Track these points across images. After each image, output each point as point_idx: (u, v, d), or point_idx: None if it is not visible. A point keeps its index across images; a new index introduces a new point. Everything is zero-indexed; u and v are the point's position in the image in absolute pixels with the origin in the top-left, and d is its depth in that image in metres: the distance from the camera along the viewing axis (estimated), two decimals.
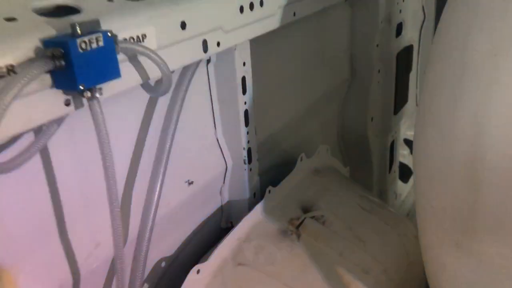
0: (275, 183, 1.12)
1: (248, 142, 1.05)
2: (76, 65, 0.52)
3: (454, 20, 0.81)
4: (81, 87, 0.54)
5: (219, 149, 1.04)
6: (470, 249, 0.78)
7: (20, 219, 0.65)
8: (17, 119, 0.52)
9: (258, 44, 1.00)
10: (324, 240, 1.05)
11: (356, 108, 1.64)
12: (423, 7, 2.28)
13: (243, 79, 0.99)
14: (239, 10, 0.85)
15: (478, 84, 0.73)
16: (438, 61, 0.84)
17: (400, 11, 1.69)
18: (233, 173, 1.07)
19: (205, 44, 0.79)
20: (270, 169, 1.22)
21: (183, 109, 0.86)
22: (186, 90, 0.84)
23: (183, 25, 0.73)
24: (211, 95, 0.99)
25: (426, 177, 0.86)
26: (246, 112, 1.02)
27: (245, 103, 1.01)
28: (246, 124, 1.03)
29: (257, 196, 1.12)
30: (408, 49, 1.86)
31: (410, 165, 2.06)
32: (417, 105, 2.00)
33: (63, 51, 0.52)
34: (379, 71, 1.63)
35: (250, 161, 1.07)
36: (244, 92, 1.00)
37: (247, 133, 1.04)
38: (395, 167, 2.01)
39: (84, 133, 0.70)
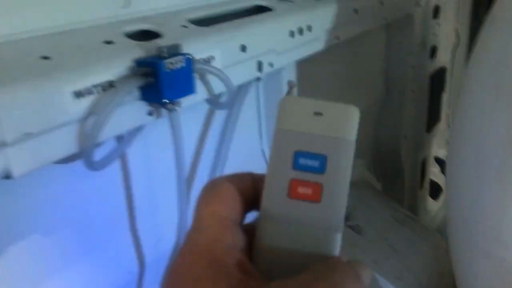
0: None
1: None
2: (163, 82, 0.63)
3: (489, 44, 0.88)
4: (165, 101, 0.64)
5: (264, 159, 1.13)
6: (499, 259, 0.84)
7: (100, 212, 0.76)
8: (112, 125, 0.62)
9: (302, 63, 1.09)
10: (360, 247, 1.12)
11: (390, 126, 1.71)
12: (457, 30, 2.34)
13: None
14: (289, 35, 0.95)
15: (509, 107, 0.79)
16: (473, 84, 0.91)
17: (435, 34, 1.76)
18: None
19: (260, 64, 0.89)
20: None
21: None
22: (241, 105, 0.93)
23: (243, 48, 0.83)
24: (259, 110, 1.08)
25: (458, 192, 0.93)
26: None
27: None
28: None
29: None
30: (441, 71, 1.92)
31: (440, 183, 2.10)
32: (448, 125, 2.05)
33: (153, 70, 0.62)
34: (413, 91, 1.70)
35: None
36: None
37: None
38: (426, 184, 2.06)
39: (155, 141, 0.80)
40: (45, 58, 0.58)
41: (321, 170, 0.32)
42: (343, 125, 0.32)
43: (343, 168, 0.32)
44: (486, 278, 0.88)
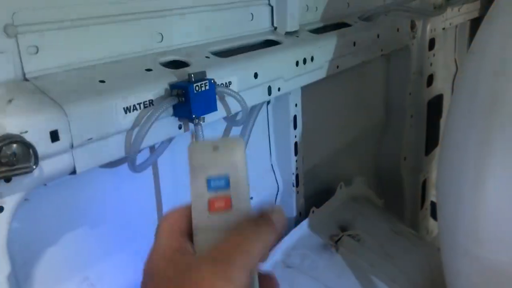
0: (317, 205, 1.34)
1: (297, 169, 1.28)
2: (192, 101, 0.78)
3: (467, 72, 1.03)
4: (194, 116, 0.80)
5: (273, 173, 1.27)
6: (476, 256, 0.96)
7: (135, 210, 0.91)
8: (151, 136, 0.78)
9: (308, 89, 1.25)
10: (358, 253, 1.25)
11: (390, 148, 1.85)
12: (455, 60, 2.50)
13: (295, 117, 1.24)
14: (295, 64, 1.11)
15: (482, 126, 0.93)
16: (454, 108, 1.06)
17: (431, 64, 1.92)
18: (283, 194, 1.30)
19: (269, 89, 1.05)
20: (313, 194, 1.44)
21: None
22: (253, 123, 1.09)
23: (256, 75, 0.99)
24: (268, 129, 1.24)
25: (444, 200, 1.06)
26: (296, 144, 1.26)
27: (295, 136, 1.26)
28: (296, 153, 1.27)
29: (302, 215, 1.33)
30: (439, 98, 2.07)
31: None
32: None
33: (184, 92, 0.78)
34: (411, 116, 1.85)
35: (297, 185, 1.30)
36: (295, 127, 1.24)
37: (296, 161, 1.27)
38: (427, 205, 2.18)
39: (181, 152, 0.96)
40: (102, 81, 0.74)
41: (227, 186, 0.42)
42: (234, 151, 0.42)
43: (241, 179, 0.42)
44: (466, 276, 1.00)
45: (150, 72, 0.82)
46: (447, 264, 1.07)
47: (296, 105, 1.24)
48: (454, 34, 2.43)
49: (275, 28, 1.15)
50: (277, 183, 1.28)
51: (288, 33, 1.15)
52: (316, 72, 1.20)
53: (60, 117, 0.65)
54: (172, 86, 0.80)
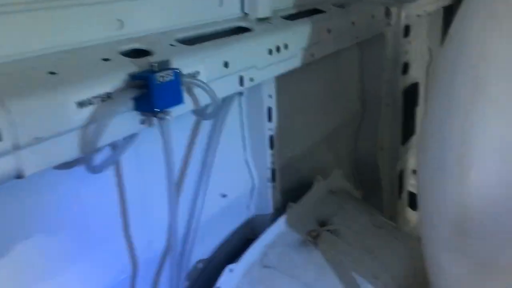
0: (295, 200, 1.28)
1: (273, 163, 1.22)
2: (154, 93, 0.71)
3: (445, 58, 0.98)
4: (156, 110, 0.72)
5: (248, 169, 1.21)
6: (463, 251, 0.92)
7: (95, 215, 0.83)
8: (110, 133, 0.70)
9: (282, 79, 1.19)
10: (338, 249, 1.20)
11: (367, 138, 1.81)
12: (429, 47, 2.48)
13: (269, 109, 1.18)
14: (268, 52, 1.05)
15: (462, 124, 0.89)
16: (433, 96, 1.01)
17: (406, 52, 1.88)
18: (259, 190, 1.24)
19: (241, 79, 0.98)
20: (290, 188, 1.38)
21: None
22: (225, 117, 1.02)
23: (226, 64, 0.92)
24: (242, 122, 1.17)
25: (426, 192, 1.02)
26: (271, 137, 1.20)
27: (270, 129, 1.19)
28: (271, 147, 1.20)
29: (279, 211, 1.28)
30: (415, 86, 2.04)
31: None
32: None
33: (145, 82, 0.71)
34: (387, 105, 1.81)
35: (274, 180, 1.24)
36: (269, 120, 1.18)
37: (272, 155, 1.21)
38: (404, 195, 2.16)
39: (147, 149, 0.88)
40: (52, 73, 0.66)
41: None
42: None
43: None
44: (450, 270, 0.96)
45: (108, 62, 0.74)
46: (430, 258, 1.03)
47: (270, 96, 1.17)
48: (427, 21, 2.41)
49: (246, 14, 1.08)
50: (252, 179, 1.22)
51: (260, 20, 1.08)
52: (291, 60, 1.14)
53: (2, 115, 0.57)
54: (132, 77, 0.72)
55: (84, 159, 0.68)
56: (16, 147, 0.59)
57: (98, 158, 0.77)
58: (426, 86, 2.28)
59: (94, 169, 0.71)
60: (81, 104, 0.66)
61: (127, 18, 0.81)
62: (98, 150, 0.70)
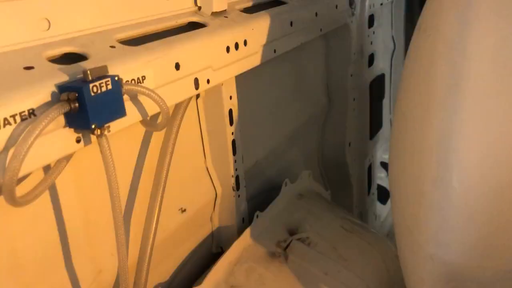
0: (262, 208, 1.19)
1: (236, 170, 1.12)
2: (89, 107, 0.59)
3: (419, 50, 0.90)
4: (93, 126, 0.60)
5: (209, 178, 1.10)
6: (443, 261, 0.85)
7: (29, 249, 0.70)
8: (35, 157, 0.58)
9: (242, 78, 1.08)
10: (310, 260, 1.11)
11: (334, 135, 1.73)
12: (393, 37, 2.43)
13: (230, 111, 1.07)
14: (226, 50, 0.94)
15: (442, 111, 0.81)
16: (407, 89, 0.93)
17: (371, 42, 1.81)
18: (222, 200, 1.13)
19: (196, 82, 0.87)
20: (257, 195, 1.28)
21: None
22: (179, 124, 0.90)
23: (177, 66, 0.80)
24: (200, 127, 1.06)
25: (401, 197, 0.95)
26: (233, 141, 1.09)
27: (232, 133, 1.09)
28: (234, 153, 1.10)
29: (245, 221, 1.18)
30: (381, 78, 1.98)
31: (388, 187, 2.15)
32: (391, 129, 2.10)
33: (77, 95, 0.59)
34: (354, 99, 1.73)
35: (238, 188, 1.14)
36: (231, 123, 1.08)
37: (235, 161, 1.11)
38: (374, 189, 2.10)
39: (87, 168, 0.76)
40: None
41: None
42: None
43: None
44: (431, 281, 0.89)
45: (31, 70, 0.61)
46: (408, 268, 0.96)
47: (230, 97, 1.06)
48: (390, 9, 2.36)
49: (199, 8, 0.96)
50: (215, 188, 1.11)
51: (215, 14, 0.97)
52: (251, 58, 1.04)
53: None
54: (61, 89, 0.60)
55: (3, 191, 0.56)
56: None
57: (26, 187, 0.64)
58: (391, 77, 2.23)
59: (17, 202, 0.58)
60: None
61: (56, 16, 0.68)
62: (20, 180, 0.57)
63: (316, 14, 1.32)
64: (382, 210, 2.23)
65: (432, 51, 0.86)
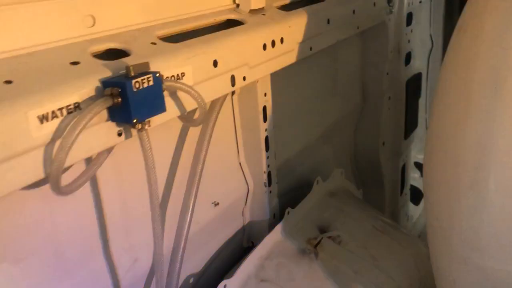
0: (293, 204, 1.20)
1: (268, 166, 1.13)
2: (131, 102, 0.61)
3: (459, 51, 0.89)
4: (135, 121, 0.63)
5: (242, 173, 1.12)
6: (477, 265, 0.84)
7: (71, 237, 0.74)
8: (79, 149, 0.61)
9: (277, 76, 1.09)
10: (340, 259, 1.12)
11: (368, 133, 1.72)
12: (431, 35, 2.38)
13: (264, 108, 1.08)
14: (262, 48, 0.95)
15: (480, 114, 0.80)
16: (445, 90, 0.92)
17: (409, 41, 1.78)
18: (254, 195, 1.15)
19: (233, 79, 0.88)
20: (288, 191, 1.29)
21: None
22: (215, 120, 0.92)
23: (215, 63, 0.82)
24: (235, 123, 1.07)
25: (435, 199, 0.93)
26: (266, 138, 1.10)
27: (266, 130, 1.10)
28: (267, 149, 1.11)
29: (276, 217, 1.19)
30: (417, 77, 1.94)
31: (421, 188, 2.12)
32: (427, 130, 2.07)
33: (120, 90, 0.61)
34: (389, 98, 1.71)
35: (270, 184, 1.15)
36: (265, 120, 1.09)
37: (267, 157, 1.12)
38: (407, 190, 2.08)
39: (127, 161, 0.79)
40: (8, 82, 0.56)
41: None
42: None
43: None
44: (464, 285, 0.88)
45: (77, 65, 0.64)
46: (440, 270, 0.95)
47: (265, 94, 1.07)
48: (429, 7, 2.31)
49: (238, 6, 0.97)
50: (247, 184, 1.12)
51: (252, 11, 0.98)
52: (287, 55, 1.04)
53: None
54: (105, 84, 0.62)
55: (49, 181, 0.59)
56: None
57: (70, 177, 0.67)
58: (428, 76, 2.19)
59: (62, 191, 0.61)
60: (44, 118, 0.56)
61: (100, 13, 0.71)
62: (65, 170, 0.60)
63: (354, 12, 1.31)
64: (414, 211, 2.19)
65: (472, 52, 0.84)
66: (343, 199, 1.35)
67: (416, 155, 2.19)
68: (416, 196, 2.19)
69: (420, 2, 1.86)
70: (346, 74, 1.57)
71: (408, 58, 1.79)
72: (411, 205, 2.16)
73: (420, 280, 1.19)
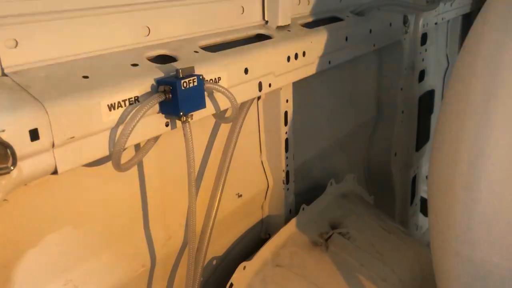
0: (308, 202, 1.32)
1: (287, 165, 1.26)
2: (180, 98, 0.75)
3: (460, 69, 1.01)
4: (181, 114, 0.77)
5: (263, 170, 1.25)
6: (469, 257, 0.95)
7: (118, 212, 0.88)
8: (137, 133, 0.75)
9: (299, 85, 1.23)
10: (348, 252, 1.23)
11: (381, 144, 1.84)
12: (447, 55, 2.49)
13: (286, 113, 1.21)
14: (286, 60, 1.08)
15: (474, 125, 0.92)
16: (448, 104, 1.04)
17: (423, 59, 1.90)
18: (273, 191, 1.28)
19: (260, 85, 1.02)
20: (303, 191, 1.42)
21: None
22: (243, 120, 1.06)
23: (246, 71, 0.96)
24: (259, 125, 1.21)
25: (435, 199, 1.05)
26: (286, 140, 1.24)
27: (286, 132, 1.23)
28: (286, 150, 1.24)
29: (292, 213, 1.32)
30: (430, 93, 2.06)
31: None
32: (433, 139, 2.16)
33: (171, 88, 0.75)
34: (402, 112, 1.83)
35: (288, 181, 1.28)
36: (285, 123, 1.22)
37: (287, 158, 1.25)
38: (417, 200, 2.17)
39: (169, 150, 0.93)
40: (85, 77, 0.71)
41: None
42: None
43: None
44: (457, 276, 0.99)
45: (136, 67, 0.78)
46: (438, 263, 1.06)
47: (287, 100, 1.21)
48: (446, 29, 2.42)
49: (267, 22, 1.12)
50: (267, 180, 1.26)
51: (279, 27, 1.12)
52: (308, 67, 1.18)
53: (41, 115, 0.62)
54: (159, 82, 0.77)
55: (112, 158, 0.73)
56: (52, 146, 0.64)
57: (124, 158, 0.81)
58: (443, 94, 2.30)
59: (121, 168, 0.76)
60: (112, 107, 0.71)
61: (154, 25, 0.86)
62: (124, 149, 0.74)
63: (370, 31, 1.44)
64: (424, 221, 2.29)
65: (471, 68, 0.96)
66: (354, 201, 1.47)
67: (427, 169, 2.28)
68: (427, 207, 2.28)
69: (436, 23, 1.98)
70: (362, 87, 1.70)
71: (422, 75, 1.91)
72: (420, 216, 2.26)
73: (422, 277, 1.30)
